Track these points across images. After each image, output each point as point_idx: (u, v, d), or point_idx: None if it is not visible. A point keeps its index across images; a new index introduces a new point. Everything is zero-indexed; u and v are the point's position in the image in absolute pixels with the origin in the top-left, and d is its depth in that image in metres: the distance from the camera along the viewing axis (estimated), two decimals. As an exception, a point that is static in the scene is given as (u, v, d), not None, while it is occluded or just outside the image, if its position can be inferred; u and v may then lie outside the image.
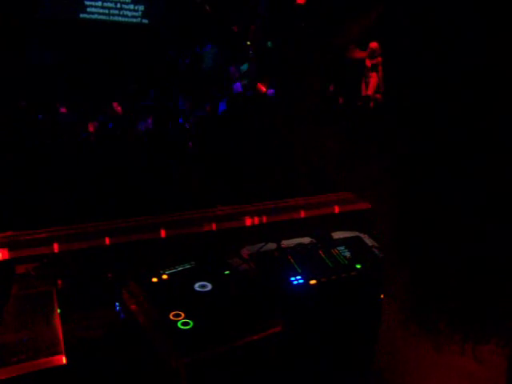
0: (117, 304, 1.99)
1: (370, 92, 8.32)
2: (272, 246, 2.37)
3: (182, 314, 1.77)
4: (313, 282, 2.10)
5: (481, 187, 1.03)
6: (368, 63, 8.55)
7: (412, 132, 1.14)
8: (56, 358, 1.57)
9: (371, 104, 7.80)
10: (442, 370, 1.11)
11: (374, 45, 8.65)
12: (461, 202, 1.04)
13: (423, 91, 1.10)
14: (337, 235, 2.55)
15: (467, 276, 1.05)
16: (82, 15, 10.37)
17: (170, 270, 2.07)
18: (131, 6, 10.94)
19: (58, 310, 1.85)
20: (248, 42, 10.11)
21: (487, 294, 1.05)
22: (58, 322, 1.78)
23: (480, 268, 1.04)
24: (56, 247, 2.23)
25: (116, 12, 10.77)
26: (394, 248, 1.15)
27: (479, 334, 1.07)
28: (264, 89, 7.79)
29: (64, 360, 1.57)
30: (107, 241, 2.33)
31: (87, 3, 10.39)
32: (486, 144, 1.02)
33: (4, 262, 2.08)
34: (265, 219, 2.57)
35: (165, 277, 2.02)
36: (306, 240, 2.47)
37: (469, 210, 1.04)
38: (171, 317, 1.75)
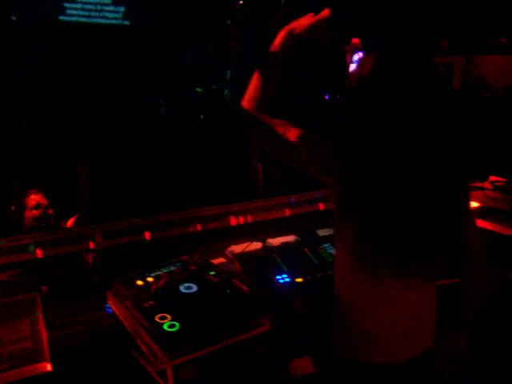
0: (107, 307, 1.97)
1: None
2: (257, 245, 2.37)
3: (168, 317, 1.76)
4: (299, 280, 2.10)
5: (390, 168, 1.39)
6: (349, 59, 8.67)
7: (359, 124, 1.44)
8: (41, 365, 1.55)
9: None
10: (380, 298, 1.47)
11: (355, 40, 8.80)
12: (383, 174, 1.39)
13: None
14: (322, 232, 2.56)
15: (396, 223, 1.40)
16: (61, 17, 10.28)
17: (155, 272, 2.06)
18: (111, 8, 10.86)
19: (42, 316, 1.83)
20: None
21: (413, 240, 1.42)
22: (42, 328, 1.77)
23: (405, 221, 1.40)
24: (39, 253, 2.21)
25: (96, 14, 10.69)
26: (343, 207, 1.47)
27: (408, 269, 1.45)
28: None
29: (49, 367, 1.55)
30: (91, 245, 2.31)
31: (66, 5, 10.29)
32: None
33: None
34: (249, 218, 2.57)
35: (150, 279, 2.01)
36: (292, 238, 2.48)
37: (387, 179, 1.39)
38: (157, 319, 1.74)
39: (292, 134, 1.50)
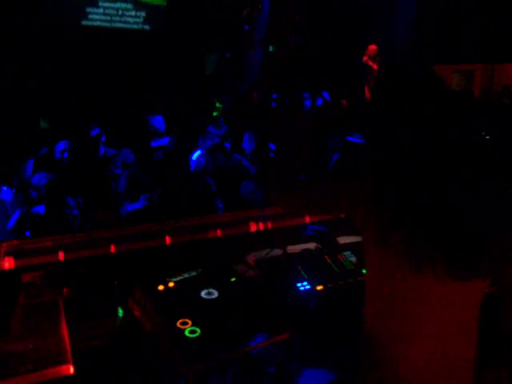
0: (120, 312, 1.98)
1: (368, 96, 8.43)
2: (278, 251, 2.36)
3: (189, 322, 1.77)
4: (319, 287, 2.09)
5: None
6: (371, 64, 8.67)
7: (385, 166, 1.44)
8: (63, 367, 1.56)
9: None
10: (423, 293, 1.38)
11: (373, 47, 8.81)
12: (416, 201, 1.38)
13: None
14: (342, 240, 2.54)
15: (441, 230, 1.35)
16: (83, 22, 10.41)
17: (176, 277, 2.06)
18: (133, 13, 10.98)
19: (65, 319, 1.85)
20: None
21: (458, 241, 1.34)
22: (64, 330, 1.78)
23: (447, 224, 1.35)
24: (61, 255, 2.23)
25: (118, 19, 10.81)
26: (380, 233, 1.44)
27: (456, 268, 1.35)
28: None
29: (72, 369, 1.57)
30: (112, 249, 2.32)
31: (89, 10, 10.43)
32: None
33: (10, 270, 2.08)
34: (270, 225, 2.56)
35: (171, 284, 2.01)
36: (312, 245, 2.47)
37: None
38: (178, 325, 1.75)
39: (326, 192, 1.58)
